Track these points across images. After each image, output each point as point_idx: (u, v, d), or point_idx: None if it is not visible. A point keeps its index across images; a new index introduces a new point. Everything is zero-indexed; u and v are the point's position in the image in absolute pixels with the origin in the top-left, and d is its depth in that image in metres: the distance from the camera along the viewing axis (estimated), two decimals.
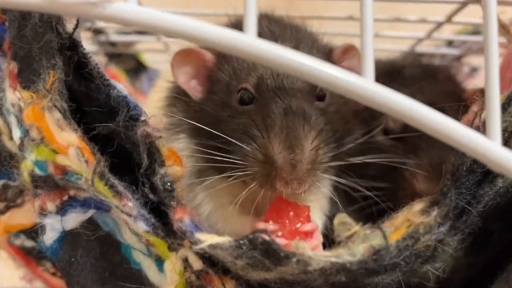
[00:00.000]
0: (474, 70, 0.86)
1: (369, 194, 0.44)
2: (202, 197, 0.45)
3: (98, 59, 0.73)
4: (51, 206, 0.39)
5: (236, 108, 0.43)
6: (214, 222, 0.45)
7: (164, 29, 0.27)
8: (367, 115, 0.51)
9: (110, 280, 0.40)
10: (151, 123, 0.36)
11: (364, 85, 0.27)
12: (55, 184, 0.39)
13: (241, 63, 0.44)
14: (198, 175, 0.45)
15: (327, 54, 0.47)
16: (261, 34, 0.27)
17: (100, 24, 0.73)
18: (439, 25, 0.66)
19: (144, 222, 0.36)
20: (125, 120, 0.36)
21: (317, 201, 0.47)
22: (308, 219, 0.41)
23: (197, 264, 0.36)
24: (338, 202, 0.45)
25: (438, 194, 0.35)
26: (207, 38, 0.27)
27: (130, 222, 0.36)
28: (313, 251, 0.32)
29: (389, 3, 0.67)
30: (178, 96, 0.47)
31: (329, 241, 0.41)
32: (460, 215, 0.37)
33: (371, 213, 0.45)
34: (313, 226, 0.41)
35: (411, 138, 0.48)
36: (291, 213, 0.41)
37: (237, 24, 0.47)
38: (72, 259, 0.41)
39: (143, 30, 0.76)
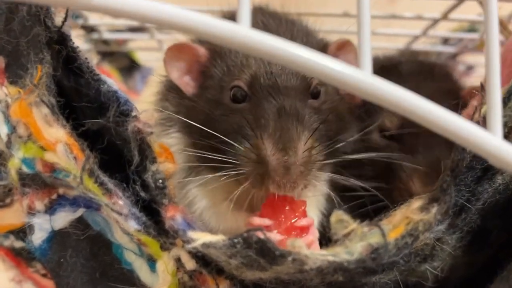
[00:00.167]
0: (469, 68, 0.86)
1: (365, 194, 0.44)
2: (195, 193, 0.45)
3: (91, 57, 0.72)
4: (39, 205, 0.39)
5: (228, 106, 0.43)
6: (207, 219, 0.45)
7: (155, 19, 0.26)
8: (363, 113, 0.51)
9: (101, 281, 0.40)
10: (142, 119, 0.36)
11: (361, 78, 0.26)
12: (43, 182, 0.38)
13: (234, 59, 0.44)
14: (190, 172, 0.45)
15: (322, 49, 0.47)
16: (255, 27, 0.27)
17: (93, 22, 0.72)
18: (435, 21, 0.66)
19: (135, 220, 0.35)
20: (116, 116, 0.36)
21: (313, 198, 0.47)
22: (304, 214, 0.41)
23: (190, 264, 0.36)
24: (335, 199, 0.44)
25: (437, 190, 0.34)
26: (200, 29, 0.26)
27: (121, 221, 0.36)
28: (309, 248, 0.31)
29: (384, 0, 0.67)
30: (170, 91, 0.47)
31: (326, 239, 0.40)
32: (459, 212, 0.36)
33: (367, 212, 0.44)
34: (309, 221, 0.41)
35: (407, 138, 0.48)
36: (287, 208, 0.40)
37: (231, 17, 0.46)
38: (62, 260, 0.40)
39: (135, 24, 0.75)
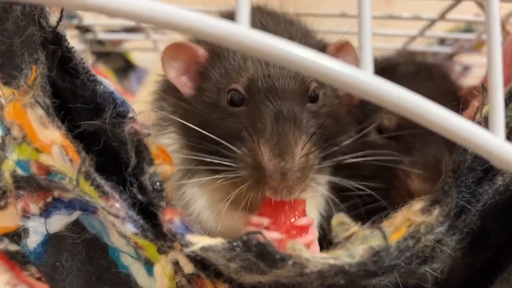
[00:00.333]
0: (466, 68, 0.86)
1: (363, 194, 0.44)
2: (192, 194, 0.45)
3: (86, 58, 0.72)
4: (34, 208, 0.39)
5: (226, 109, 0.43)
6: (205, 219, 0.45)
7: (153, 19, 0.26)
8: (361, 114, 0.50)
9: (97, 285, 0.39)
10: (139, 120, 0.35)
11: (363, 78, 0.26)
12: (38, 184, 0.38)
13: (232, 62, 0.44)
14: (186, 173, 0.44)
15: (321, 49, 0.46)
16: (253, 27, 0.26)
17: (88, 22, 0.72)
18: (432, 22, 0.66)
19: (132, 223, 0.35)
20: (112, 117, 0.35)
21: (313, 199, 0.46)
22: (304, 213, 0.41)
23: (188, 267, 0.35)
24: (335, 201, 0.44)
25: (439, 192, 0.34)
26: (198, 28, 0.25)
27: (118, 224, 0.35)
28: (308, 247, 0.31)
29: (382, 0, 0.66)
30: (167, 91, 0.46)
31: (326, 242, 0.40)
32: (459, 214, 0.36)
33: (365, 212, 0.44)
34: (309, 221, 0.40)
35: (406, 137, 0.48)
36: (286, 207, 0.40)
37: (228, 17, 0.46)
38: (57, 264, 0.40)
39: (130, 25, 0.74)
